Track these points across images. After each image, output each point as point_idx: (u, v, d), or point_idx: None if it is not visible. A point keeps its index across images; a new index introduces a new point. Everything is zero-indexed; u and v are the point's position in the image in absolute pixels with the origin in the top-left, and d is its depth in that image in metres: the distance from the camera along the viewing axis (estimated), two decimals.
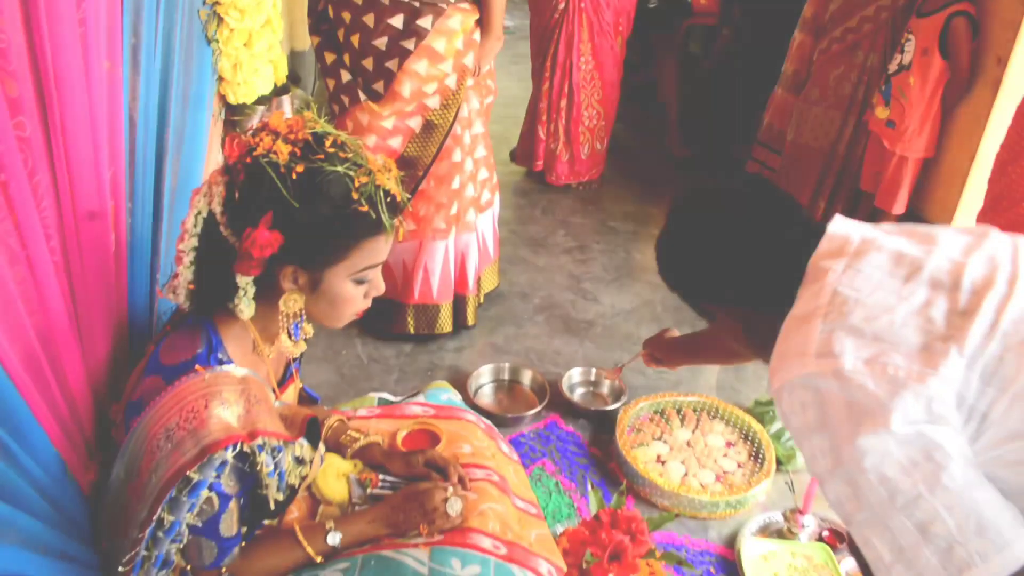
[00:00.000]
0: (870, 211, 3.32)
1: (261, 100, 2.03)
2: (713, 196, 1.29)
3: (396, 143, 2.56)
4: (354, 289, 1.37)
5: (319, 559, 1.47)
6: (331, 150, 1.25)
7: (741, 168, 4.05)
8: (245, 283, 1.28)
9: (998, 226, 1.19)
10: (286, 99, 2.15)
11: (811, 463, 1.06)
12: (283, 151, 1.22)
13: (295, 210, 1.22)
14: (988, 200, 2.32)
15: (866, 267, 1.10)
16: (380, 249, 1.34)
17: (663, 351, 2.03)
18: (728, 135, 4.51)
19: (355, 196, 1.25)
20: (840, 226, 1.20)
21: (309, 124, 1.28)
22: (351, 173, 1.25)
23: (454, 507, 1.56)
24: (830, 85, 3.38)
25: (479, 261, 2.95)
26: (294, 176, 1.21)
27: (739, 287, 1.22)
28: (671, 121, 4.79)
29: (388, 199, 1.29)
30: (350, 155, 1.27)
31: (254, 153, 1.23)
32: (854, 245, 1.15)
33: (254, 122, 2.04)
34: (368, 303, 1.42)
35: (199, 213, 1.29)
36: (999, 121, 2.81)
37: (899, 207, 3.17)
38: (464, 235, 2.83)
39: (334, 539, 1.48)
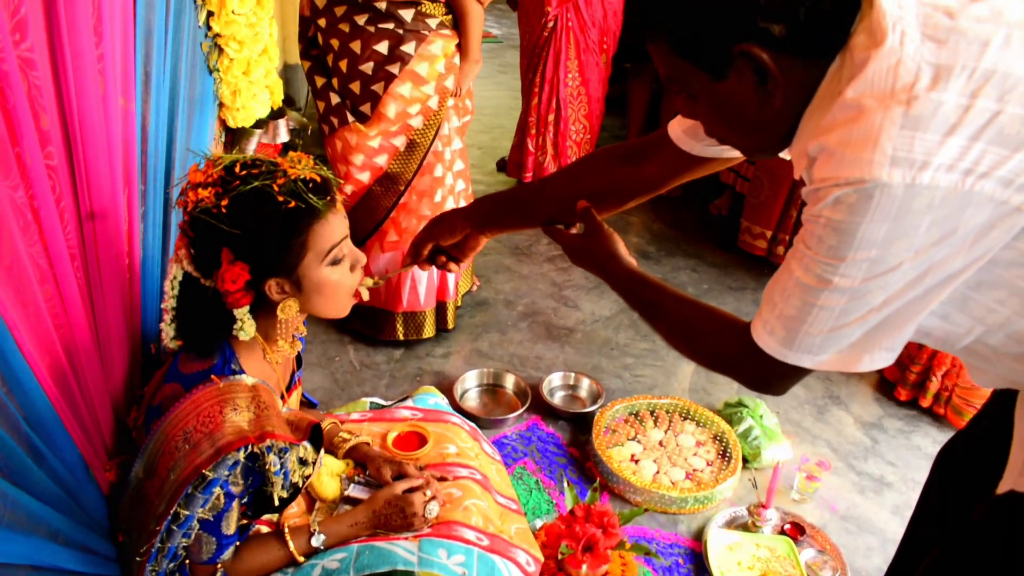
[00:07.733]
0: None
1: (259, 124, 2.15)
2: None
3: (382, 160, 2.70)
4: (334, 271, 1.47)
5: (302, 559, 1.59)
6: (243, 172, 1.36)
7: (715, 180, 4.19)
8: (242, 313, 1.42)
9: None
10: (282, 122, 2.27)
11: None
12: (206, 195, 1.35)
13: (240, 236, 1.35)
14: None
15: (959, 28, 0.84)
16: (332, 227, 1.44)
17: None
18: None
19: (280, 199, 1.35)
20: None
21: (218, 162, 1.39)
22: (267, 182, 1.36)
23: (432, 511, 1.69)
24: None
25: None
26: (223, 211, 1.34)
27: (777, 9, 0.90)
28: (630, 135, 4.95)
29: (310, 185, 1.39)
30: (262, 168, 1.38)
31: (189, 211, 1.36)
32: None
33: (252, 144, 2.17)
34: (359, 276, 1.52)
35: (175, 278, 1.43)
36: None
37: None
38: None
39: (317, 541, 1.61)
